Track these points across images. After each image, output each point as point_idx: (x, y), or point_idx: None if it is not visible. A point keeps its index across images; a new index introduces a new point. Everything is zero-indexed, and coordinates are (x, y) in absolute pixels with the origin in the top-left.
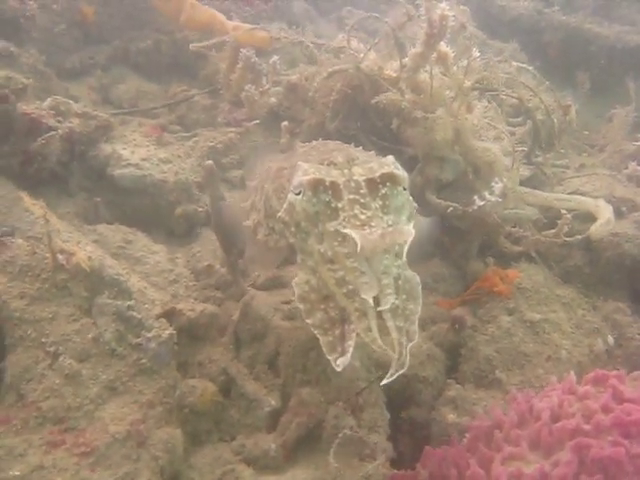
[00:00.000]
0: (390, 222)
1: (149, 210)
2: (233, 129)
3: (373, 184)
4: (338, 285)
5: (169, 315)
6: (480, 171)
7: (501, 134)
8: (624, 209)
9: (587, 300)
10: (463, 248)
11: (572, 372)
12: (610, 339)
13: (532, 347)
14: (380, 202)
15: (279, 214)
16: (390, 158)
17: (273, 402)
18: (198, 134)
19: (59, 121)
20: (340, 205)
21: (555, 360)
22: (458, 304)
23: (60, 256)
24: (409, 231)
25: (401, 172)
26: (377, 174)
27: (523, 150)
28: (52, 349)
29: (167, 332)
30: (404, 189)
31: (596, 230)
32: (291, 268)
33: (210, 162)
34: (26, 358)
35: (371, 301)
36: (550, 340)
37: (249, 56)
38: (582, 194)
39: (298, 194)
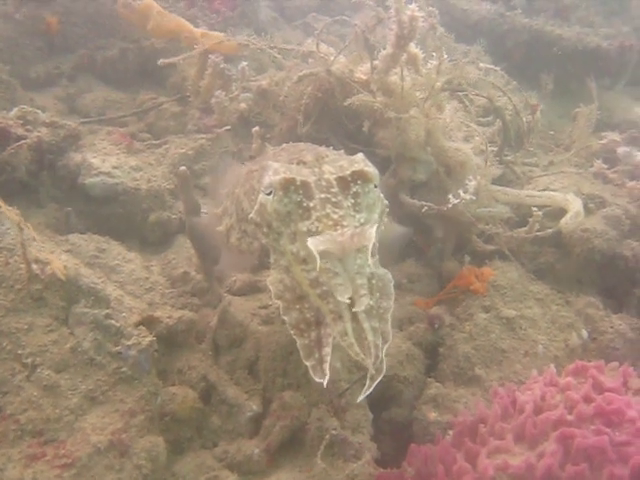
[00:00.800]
0: (362, 220)
1: (121, 218)
2: (204, 136)
3: (344, 182)
4: (312, 286)
5: (147, 323)
6: (452, 171)
7: (473, 133)
8: (592, 205)
9: (560, 295)
10: (438, 248)
11: (552, 365)
12: (584, 333)
13: (509, 343)
14: (352, 200)
15: (250, 215)
16: (360, 155)
17: (255, 407)
18: (168, 141)
19: (28, 130)
20: (312, 204)
21: (532, 355)
22: (435, 303)
23: (34, 266)
24: (371, 234)
25: (372, 169)
26: (348, 172)
27: (493, 149)
28: (29, 360)
29: (147, 339)
30: (375, 186)
31: (566, 223)
32: (267, 272)
33: (184, 168)
34: (2, 371)
35: (346, 302)
36: (526, 336)
37: (218, 62)
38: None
39: (269, 194)
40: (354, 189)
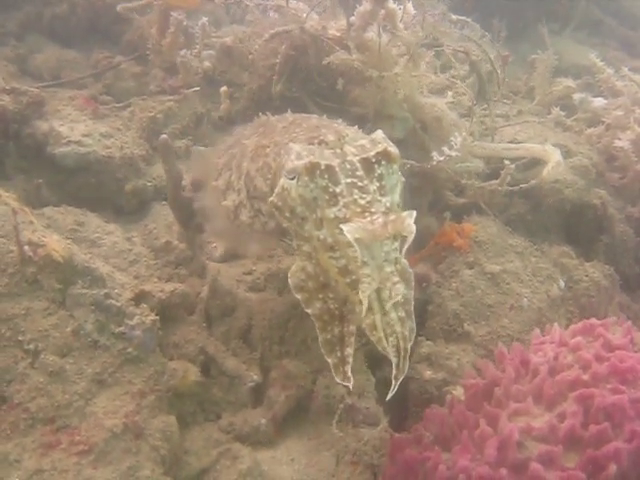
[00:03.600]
0: (388, 204)
1: (94, 189)
2: (170, 97)
3: (368, 164)
4: (341, 274)
5: (140, 298)
6: (428, 127)
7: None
8: None
9: (536, 247)
10: (414, 204)
11: (556, 324)
12: (561, 283)
13: (495, 298)
14: (377, 184)
15: (271, 199)
16: (380, 133)
17: (255, 377)
18: (132, 104)
19: None
20: (338, 190)
21: (518, 309)
22: (418, 261)
23: (27, 248)
24: (412, 226)
25: (395, 149)
26: (372, 153)
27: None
28: (31, 347)
29: (150, 318)
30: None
31: (548, 173)
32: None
33: (165, 136)
34: (4, 358)
35: (367, 298)
36: (511, 290)
37: (181, 20)
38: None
39: (292, 179)
40: (378, 171)
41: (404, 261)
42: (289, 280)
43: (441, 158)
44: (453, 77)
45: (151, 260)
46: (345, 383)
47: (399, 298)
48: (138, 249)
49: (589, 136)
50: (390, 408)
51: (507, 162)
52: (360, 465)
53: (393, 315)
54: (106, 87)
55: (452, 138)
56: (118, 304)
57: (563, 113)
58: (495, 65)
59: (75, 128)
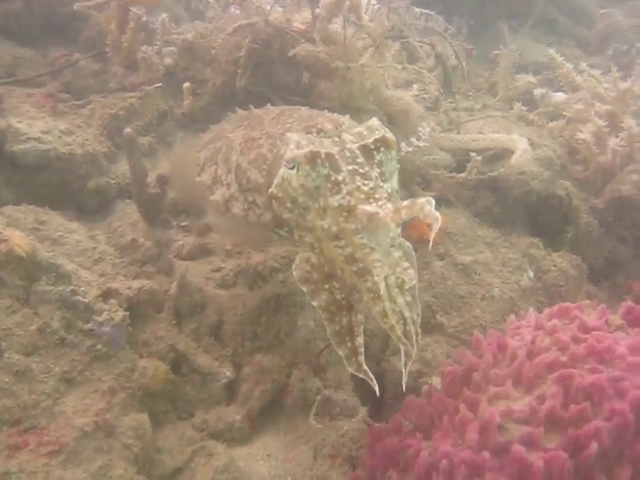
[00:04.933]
0: (389, 190)
1: (56, 187)
2: (132, 94)
3: (368, 151)
4: (348, 262)
5: (106, 296)
6: (394, 120)
7: (424, 80)
8: None
9: (505, 238)
10: None
11: (531, 309)
12: (530, 273)
13: (466, 289)
14: (378, 170)
15: (271, 190)
16: (375, 120)
17: (228, 373)
18: (92, 101)
19: None
20: (340, 178)
21: (489, 299)
22: None
23: None
24: (436, 214)
25: (392, 135)
26: (370, 140)
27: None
28: None
29: (119, 314)
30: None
31: (516, 161)
32: (214, 235)
33: (129, 130)
34: None
35: (383, 281)
36: (482, 280)
37: (140, 15)
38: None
39: (292, 168)
40: (378, 157)
41: (407, 244)
42: (294, 273)
43: (409, 149)
44: (420, 68)
45: (116, 258)
46: (360, 374)
47: (413, 283)
48: (103, 247)
49: (551, 130)
50: (366, 401)
51: (473, 154)
52: (339, 458)
53: (401, 301)
54: (64, 85)
55: (420, 129)
56: (85, 300)
57: (525, 108)
58: (460, 57)
59: (34, 125)
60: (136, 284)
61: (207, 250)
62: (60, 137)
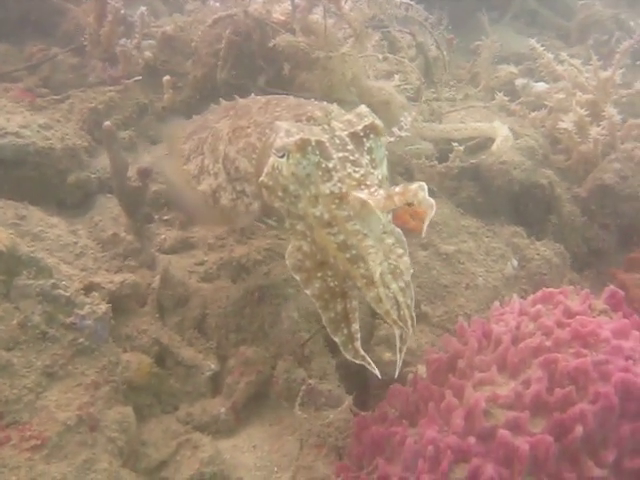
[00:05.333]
0: (380, 177)
1: (35, 181)
2: (111, 88)
3: (357, 138)
4: (340, 249)
5: (88, 290)
6: (376, 111)
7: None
8: None
9: (489, 227)
10: None
11: (515, 295)
12: (514, 262)
13: (450, 278)
14: (368, 157)
15: (261, 179)
16: (364, 107)
17: (213, 365)
18: (71, 96)
19: None
20: (331, 165)
21: (473, 288)
22: None
23: None
24: (430, 200)
25: (380, 122)
26: (359, 127)
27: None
28: None
29: (101, 307)
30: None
31: (497, 147)
32: (197, 228)
33: (108, 123)
34: None
35: (378, 266)
36: (465, 270)
37: (119, 8)
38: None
39: (282, 157)
40: (367, 144)
41: (398, 231)
42: (287, 261)
43: (391, 139)
44: (401, 58)
45: (98, 253)
46: (358, 360)
47: (411, 271)
48: (84, 242)
49: (533, 120)
50: (350, 391)
51: (456, 144)
52: (325, 447)
53: (394, 286)
54: (43, 80)
55: (402, 118)
56: (67, 294)
57: (507, 98)
58: (441, 47)
59: (12, 119)
60: (118, 278)
61: (190, 244)
62: (39, 131)
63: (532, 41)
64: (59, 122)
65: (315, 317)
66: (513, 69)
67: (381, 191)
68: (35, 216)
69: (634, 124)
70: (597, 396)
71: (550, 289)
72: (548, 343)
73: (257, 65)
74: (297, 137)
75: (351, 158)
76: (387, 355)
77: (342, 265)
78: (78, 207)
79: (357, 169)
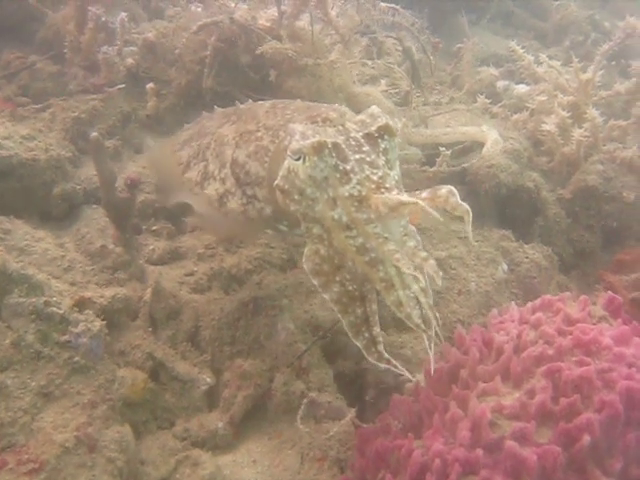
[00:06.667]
0: (397, 177)
1: (19, 194)
2: (94, 96)
3: (372, 139)
4: (359, 253)
5: (80, 305)
6: None
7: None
8: None
9: (478, 232)
10: None
11: (513, 302)
12: (504, 266)
13: (443, 284)
14: (383, 158)
15: (276, 182)
16: (375, 108)
17: (208, 379)
18: (52, 105)
19: None
20: (349, 167)
21: (466, 293)
22: None
23: None
24: (464, 206)
25: (393, 122)
26: (373, 128)
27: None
28: None
29: (97, 324)
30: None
31: (488, 151)
32: (185, 238)
33: (96, 134)
34: None
35: (395, 269)
36: (457, 275)
37: (99, 15)
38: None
39: (298, 159)
40: (382, 145)
41: (412, 228)
42: (304, 265)
43: None
44: (389, 63)
45: (87, 266)
46: (382, 364)
47: (441, 273)
48: (72, 255)
49: (515, 122)
50: (347, 401)
51: (443, 149)
52: (327, 460)
53: (415, 287)
54: (21, 88)
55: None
56: (60, 311)
57: (489, 101)
58: (427, 52)
59: None
60: (109, 292)
61: (179, 254)
62: (22, 142)
63: (512, 43)
64: (41, 132)
65: (311, 328)
66: (494, 71)
67: (405, 194)
68: (20, 230)
69: (615, 125)
70: (602, 404)
71: (548, 296)
72: (550, 352)
73: (243, 72)
74: (314, 139)
75: (368, 160)
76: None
77: (361, 268)
78: (63, 219)
79: (375, 171)
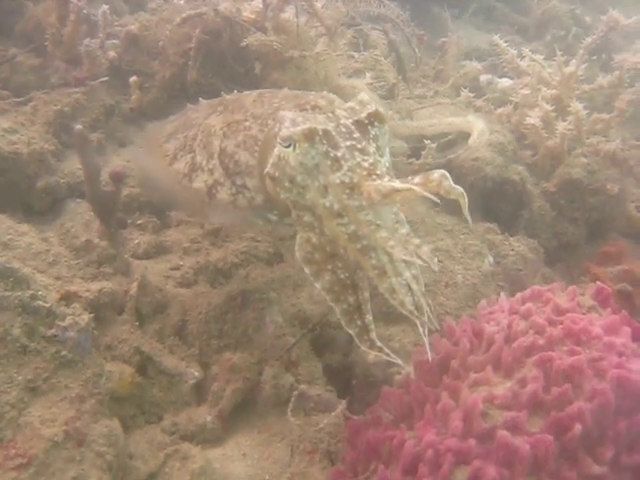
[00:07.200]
0: (387, 164)
1: (1, 188)
2: (76, 89)
3: (362, 126)
4: (351, 240)
5: (66, 300)
6: None
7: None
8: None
9: (464, 225)
10: None
11: (502, 293)
12: (490, 258)
13: (429, 277)
14: (374, 145)
15: (267, 170)
16: (365, 95)
17: (196, 373)
18: (34, 98)
19: None
20: (340, 154)
21: (453, 286)
22: None
23: None
24: (459, 189)
25: (383, 109)
26: (363, 115)
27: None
28: None
29: (84, 318)
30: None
31: (474, 142)
32: (170, 232)
33: (80, 127)
34: None
35: (387, 256)
36: (444, 268)
37: (81, 7)
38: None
39: (288, 147)
40: (372, 132)
41: (402, 216)
42: (297, 253)
43: None
44: (376, 55)
45: (72, 260)
46: (374, 351)
47: (435, 260)
48: (56, 249)
49: (499, 116)
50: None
51: (427, 141)
52: (317, 453)
53: (407, 274)
54: (2, 81)
55: None
56: (47, 305)
57: (472, 94)
58: (413, 44)
59: None
60: (95, 286)
61: (164, 248)
62: (4, 136)
63: (495, 37)
64: (23, 126)
65: (299, 321)
66: (477, 65)
67: (397, 181)
68: (4, 224)
69: (598, 119)
70: (594, 393)
71: (538, 287)
72: (541, 341)
73: (228, 64)
74: (304, 126)
75: (358, 146)
76: (371, 356)
77: (352, 256)
78: (47, 213)
79: (365, 157)
